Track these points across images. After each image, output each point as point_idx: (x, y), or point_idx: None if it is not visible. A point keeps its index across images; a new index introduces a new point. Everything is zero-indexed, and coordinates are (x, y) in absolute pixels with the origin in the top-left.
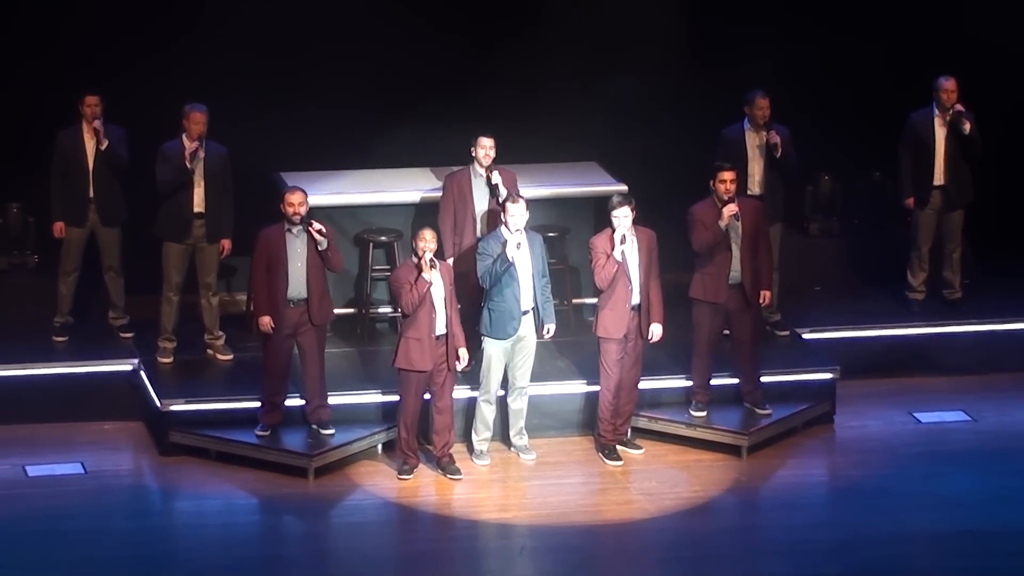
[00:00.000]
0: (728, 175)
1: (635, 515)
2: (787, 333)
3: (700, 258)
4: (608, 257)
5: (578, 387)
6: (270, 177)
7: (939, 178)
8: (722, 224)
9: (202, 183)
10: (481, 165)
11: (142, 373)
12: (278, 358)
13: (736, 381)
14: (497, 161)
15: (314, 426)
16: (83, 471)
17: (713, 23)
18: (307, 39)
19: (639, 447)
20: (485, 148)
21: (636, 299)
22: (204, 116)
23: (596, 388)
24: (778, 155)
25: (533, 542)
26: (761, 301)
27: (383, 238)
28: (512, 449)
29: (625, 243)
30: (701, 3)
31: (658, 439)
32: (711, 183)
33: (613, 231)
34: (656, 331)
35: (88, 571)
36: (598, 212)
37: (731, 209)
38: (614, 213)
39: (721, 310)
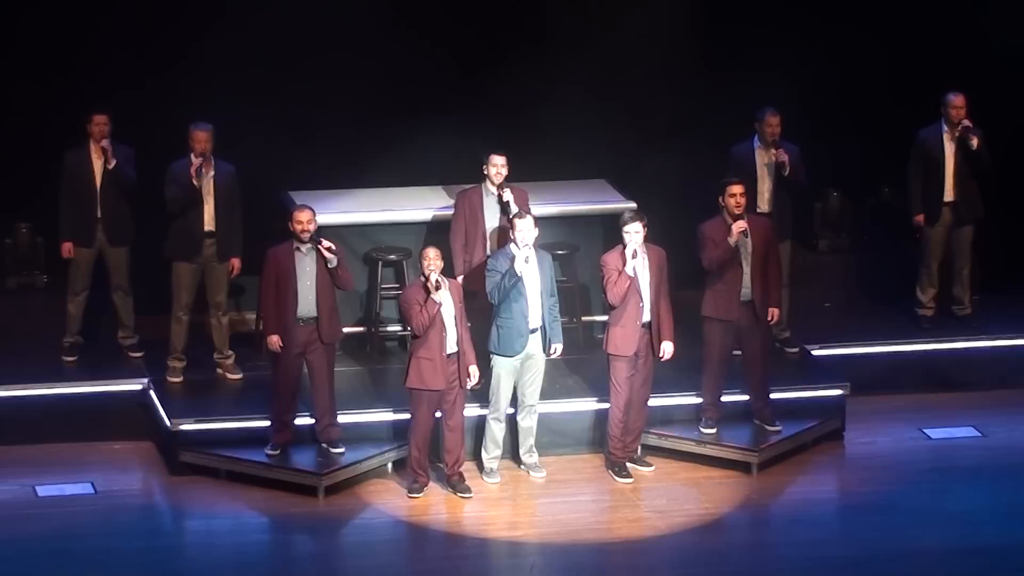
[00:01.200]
0: (737, 188)
1: (645, 532)
2: (797, 350)
3: (711, 276)
4: (620, 273)
5: (588, 405)
6: (279, 196)
7: (948, 194)
8: (731, 241)
9: (211, 201)
10: (493, 183)
11: (152, 393)
12: (288, 377)
13: (746, 398)
14: (506, 178)
15: (324, 445)
16: (93, 491)
17: (724, 41)
18: (316, 58)
19: (649, 464)
20: (497, 166)
21: (647, 316)
22: (207, 134)
23: (606, 406)
24: (786, 173)
25: (544, 560)
26: (770, 318)
27: (392, 256)
28: (522, 467)
29: (636, 258)
30: (712, 21)
31: (668, 456)
32: (720, 199)
33: (624, 247)
34: (667, 349)
35: None
36: (607, 230)
37: (740, 226)
38: (626, 229)
39: (732, 327)
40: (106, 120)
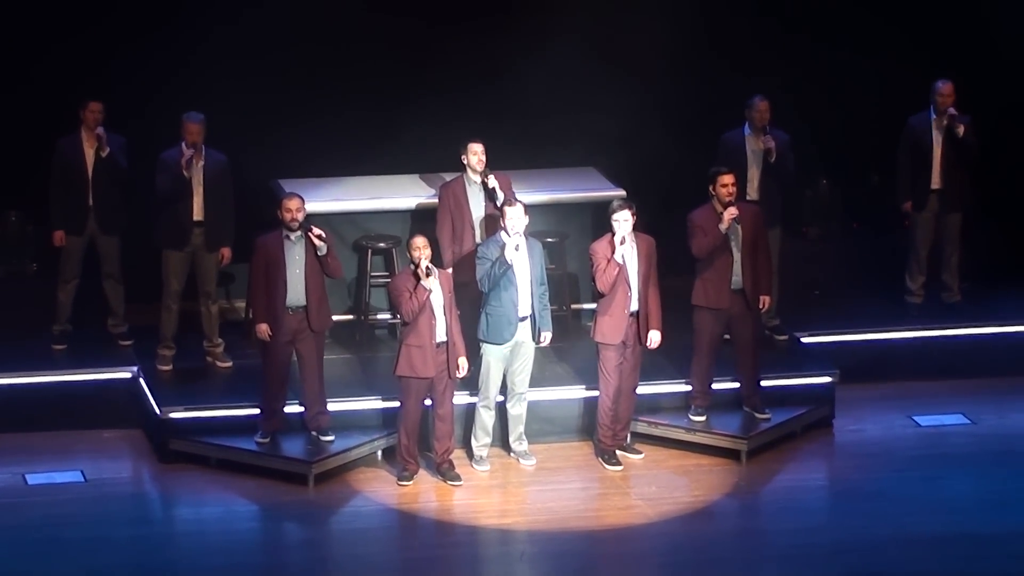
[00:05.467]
0: (728, 178)
1: (635, 520)
2: (786, 337)
3: (701, 264)
4: (609, 261)
5: (577, 392)
6: (268, 184)
7: (936, 182)
8: (723, 227)
9: (201, 191)
10: (474, 171)
11: (141, 381)
12: (277, 365)
13: (735, 386)
14: (495, 166)
15: (314, 433)
16: (83, 479)
17: (714, 29)
18: (304, 47)
19: (639, 452)
20: (477, 154)
21: (634, 305)
22: (198, 126)
23: (595, 393)
24: (772, 160)
25: (533, 548)
26: (761, 306)
27: (381, 244)
28: (512, 455)
29: (624, 246)
30: (702, 9)
31: (658, 444)
32: (711, 188)
33: (613, 235)
34: (654, 338)
35: None
36: (597, 218)
37: (732, 212)
38: (614, 217)
39: (723, 315)
40: (101, 108)
